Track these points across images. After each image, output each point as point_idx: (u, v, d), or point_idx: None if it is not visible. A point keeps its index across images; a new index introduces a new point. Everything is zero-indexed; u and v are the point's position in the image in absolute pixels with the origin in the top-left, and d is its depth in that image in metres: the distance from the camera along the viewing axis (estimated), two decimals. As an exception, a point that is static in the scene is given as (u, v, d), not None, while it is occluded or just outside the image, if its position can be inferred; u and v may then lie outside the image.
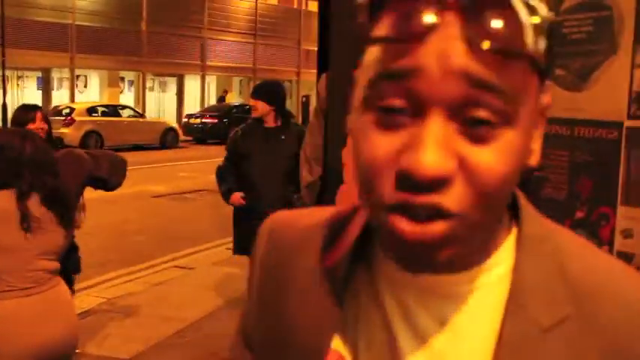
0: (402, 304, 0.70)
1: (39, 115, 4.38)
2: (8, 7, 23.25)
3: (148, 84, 32.26)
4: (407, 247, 0.60)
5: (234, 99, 34.32)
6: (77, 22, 27.31)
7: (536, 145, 0.66)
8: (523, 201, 0.72)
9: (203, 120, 25.44)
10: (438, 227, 0.59)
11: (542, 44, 0.59)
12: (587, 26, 1.83)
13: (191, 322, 5.74)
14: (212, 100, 34.05)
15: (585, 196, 1.84)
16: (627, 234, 1.74)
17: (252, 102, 5.20)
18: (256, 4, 35.77)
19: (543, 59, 0.60)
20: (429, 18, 0.57)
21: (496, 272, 0.68)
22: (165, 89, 34.41)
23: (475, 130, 0.58)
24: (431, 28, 0.57)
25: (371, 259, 0.74)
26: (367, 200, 0.63)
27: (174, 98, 34.19)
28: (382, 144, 0.60)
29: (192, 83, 34.24)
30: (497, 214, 0.65)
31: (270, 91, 5.18)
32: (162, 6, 29.88)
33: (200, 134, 25.21)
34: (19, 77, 28.12)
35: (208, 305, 6.20)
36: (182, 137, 24.31)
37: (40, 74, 28.44)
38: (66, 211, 3.06)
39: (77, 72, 28.66)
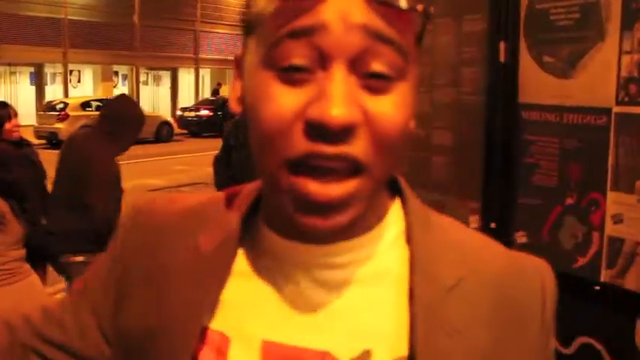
0: (293, 281, 0.71)
1: (12, 112, 4.39)
2: (0, 3, 23.17)
3: (142, 78, 32.19)
4: (310, 209, 0.62)
5: (227, 92, 34.21)
6: (69, 17, 27.21)
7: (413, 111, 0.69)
8: (401, 178, 0.77)
9: (197, 113, 25.39)
10: (344, 186, 0.62)
11: (420, 7, 0.64)
12: (575, 13, 1.84)
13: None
14: (206, 93, 34.00)
15: (575, 182, 1.85)
16: (617, 219, 1.75)
17: None
18: (249, -4, 35.63)
19: (421, 26, 0.66)
20: None
21: (387, 238, 0.73)
22: (159, 83, 34.37)
23: (374, 82, 0.62)
24: None
25: (255, 239, 0.74)
26: (267, 160, 0.64)
27: (169, 92, 34.14)
28: (287, 100, 0.61)
29: (186, 76, 34.19)
30: (392, 170, 0.68)
31: None
32: (154, -1, 29.80)
33: (195, 127, 25.16)
34: (11, 73, 28.04)
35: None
36: (177, 130, 24.26)
37: (32, 69, 28.36)
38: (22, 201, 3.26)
39: (70, 67, 28.59)
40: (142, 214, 0.82)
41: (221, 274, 0.73)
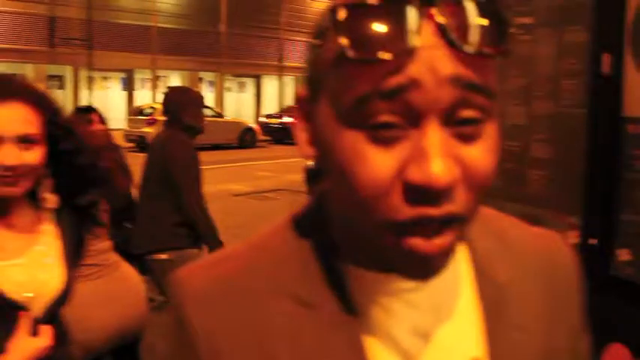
0: (385, 307, 0.70)
1: (95, 117, 4.48)
2: (94, 11, 24.10)
3: (227, 84, 32.82)
4: (414, 263, 0.62)
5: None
6: (159, 24, 28.05)
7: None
8: None
9: (281, 120, 25.67)
10: (448, 238, 0.61)
11: (504, 45, 0.61)
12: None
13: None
14: (290, 100, 34.33)
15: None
16: None
17: None
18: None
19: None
20: (414, 34, 0.57)
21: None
22: (243, 89, 34.93)
23: (465, 129, 0.60)
24: (417, 43, 0.57)
25: (338, 277, 0.71)
26: (366, 221, 0.62)
27: (253, 98, 34.67)
28: (380, 160, 0.59)
29: (269, 83, 34.64)
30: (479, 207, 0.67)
31: None
32: (240, 8, 30.34)
33: (278, 134, 25.45)
34: (104, 79, 29.09)
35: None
36: (260, 137, 24.60)
37: (123, 75, 29.34)
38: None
39: (158, 73, 29.44)
40: (199, 296, 0.72)
41: (348, 324, 0.70)
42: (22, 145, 1.67)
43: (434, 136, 0.58)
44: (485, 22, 0.59)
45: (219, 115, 24.54)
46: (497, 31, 0.60)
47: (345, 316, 0.69)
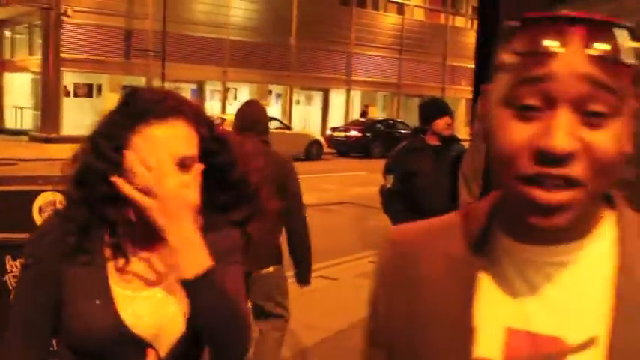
0: (523, 275, 0.89)
1: None
2: (168, 23, 24.68)
3: (295, 97, 33.09)
4: (537, 211, 0.81)
5: (376, 114, 34.49)
6: (230, 37, 28.52)
7: (629, 138, 0.85)
8: (617, 192, 0.93)
9: (347, 134, 25.73)
10: (563, 194, 0.80)
11: (635, 62, 0.81)
12: None
13: (335, 332, 5.78)
14: (356, 114, 34.41)
15: None
16: None
17: (448, 120, 4.87)
18: (403, 20, 35.86)
19: (637, 74, 0.82)
20: (561, 40, 0.80)
21: (600, 244, 0.89)
22: (310, 102, 35.16)
23: (592, 120, 0.79)
24: (563, 46, 0.80)
25: (491, 244, 0.93)
26: (504, 175, 0.84)
27: (320, 111, 34.86)
28: (520, 132, 0.81)
29: (337, 97, 34.78)
30: (605, 188, 0.86)
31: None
32: (311, 21, 30.61)
33: (344, 147, 25.52)
34: (175, 89, 29.59)
35: (353, 316, 6.21)
36: (326, 150, 24.70)
37: (194, 86, 29.90)
38: None
39: (228, 84, 29.91)
40: (397, 242, 1.04)
41: (471, 274, 0.92)
42: (180, 167, 1.49)
43: (562, 117, 0.79)
44: (620, 34, 0.80)
45: (287, 128, 24.73)
46: (622, 50, 0.80)
47: (470, 269, 0.92)
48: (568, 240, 0.87)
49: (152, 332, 1.51)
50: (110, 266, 1.54)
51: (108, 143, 1.50)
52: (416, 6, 37.66)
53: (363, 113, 32.16)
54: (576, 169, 0.79)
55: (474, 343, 0.88)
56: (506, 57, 0.84)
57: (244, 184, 1.66)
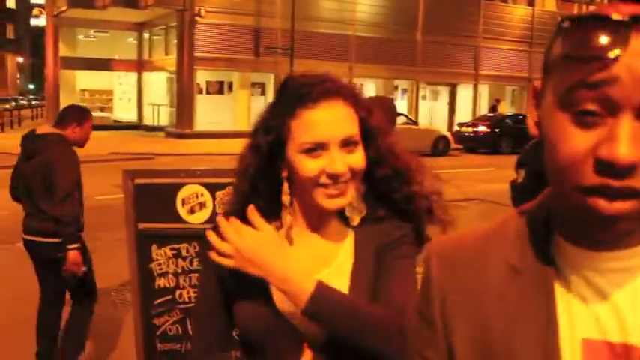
0: (590, 282, 0.85)
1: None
2: (296, 21, 25.12)
3: (421, 92, 32.82)
4: (599, 221, 0.78)
5: (505, 109, 33.63)
6: (357, 34, 28.66)
7: None
8: None
9: (475, 129, 25.23)
10: (627, 204, 0.76)
11: None
12: None
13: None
14: (483, 109, 33.69)
15: None
16: None
17: None
18: (533, 12, 34.74)
19: None
20: (621, 40, 0.74)
21: None
22: (437, 97, 34.77)
23: None
24: (624, 48, 0.74)
25: (548, 250, 0.89)
26: (563, 185, 0.80)
27: (446, 107, 34.40)
28: (580, 139, 0.76)
29: (464, 92, 34.20)
30: None
31: None
32: (437, 16, 30.24)
33: (471, 143, 25.04)
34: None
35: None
36: (453, 145, 24.34)
37: (320, 83, 30.21)
38: None
39: (354, 80, 30.06)
40: (444, 257, 0.99)
41: (549, 287, 0.87)
42: (345, 149, 1.46)
43: (625, 124, 0.74)
44: None
45: (414, 123, 24.58)
46: None
47: (545, 281, 0.87)
48: (632, 244, 0.83)
49: (308, 324, 1.44)
50: None
51: (265, 136, 1.51)
52: (547, -4, 36.39)
53: (493, 108, 31.36)
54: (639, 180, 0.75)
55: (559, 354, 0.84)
56: (561, 57, 0.79)
57: (390, 184, 1.57)
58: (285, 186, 1.53)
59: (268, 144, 1.50)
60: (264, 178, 1.53)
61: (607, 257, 0.84)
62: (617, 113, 0.74)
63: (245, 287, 1.50)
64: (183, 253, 2.95)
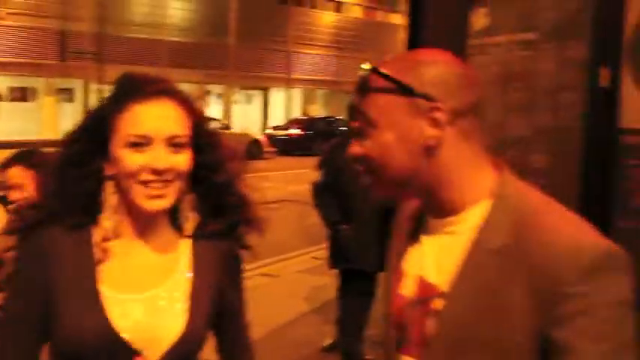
0: (428, 234, 1.21)
1: None
2: (105, 25, 24.29)
3: (235, 97, 32.97)
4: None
5: (317, 112, 34.64)
6: (168, 38, 28.26)
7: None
8: (505, 171, 1.15)
9: (287, 132, 25.78)
10: (366, 178, 1.20)
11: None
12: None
13: (276, 327, 5.89)
14: (296, 112, 34.47)
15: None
16: None
17: None
18: (340, 18, 36.09)
19: None
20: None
21: (472, 219, 1.12)
22: (250, 102, 35.07)
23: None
24: None
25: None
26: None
27: (260, 111, 34.81)
28: None
29: (277, 96, 34.79)
30: (398, 174, 1.15)
31: None
32: (249, 21, 30.54)
33: (285, 146, 25.55)
34: (113, 90, 29.19)
35: (293, 312, 6.33)
36: (267, 149, 24.69)
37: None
38: None
39: (167, 85, 29.55)
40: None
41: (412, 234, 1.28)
42: (171, 148, 1.42)
43: None
44: None
45: (227, 128, 24.66)
46: None
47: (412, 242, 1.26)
48: (453, 214, 1.16)
49: (144, 337, 1.44)
50: (100, 268, 1.47)
51: (91, 129, 1.47)
52: (353, 4, 37.93)
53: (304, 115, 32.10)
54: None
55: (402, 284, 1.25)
56: None
57: (229, 190, 1.57)
58: (110, 184, 1.47)
59: (92, 138, 1.46)
60: (84, 177, 1.46)
61: (436, 222, 1.19)
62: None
63: (73, 295, 1.44)
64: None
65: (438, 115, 1.11)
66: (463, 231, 1.13)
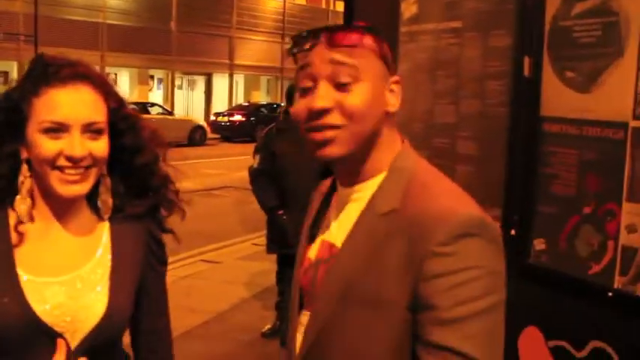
0: (337, 204, 1.33)
1: None
2: (40, 6, 23.66)
3: (177, 82, 32.56)
4: (331, 163, 1.26)
5: (261, 98, 34.51)
6: (108, 21, 27.67)
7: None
8: (404, 144, 1.27)
9: (231, 118, 25.63)
10: (329, 133, 1.17)
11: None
12: (596, 30, 1.92)
13: (216, 314, 5.88)
14: (240, 99, 34.25)
15: (592, 192, 1.93)
16: (631, 229, 1.83)
17: None
18: (284, 4, 35.94)
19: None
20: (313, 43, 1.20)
21: (372, 188, 1.23)
22: (193, 87, 34.71)
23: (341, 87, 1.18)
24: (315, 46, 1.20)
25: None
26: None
27: (203, 96, 34.48)
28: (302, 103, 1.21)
29: (220, 82, 34.49)
30: (365, 132, 1.19)
31: None
32: (191, 6, 30.15)
33: (228, 132, 25.41)
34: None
35: (233, 298, 6.34)
36: (210, 135, 24.52)
37: (71, 72, 28.79)
38: None
39: (107, 70, 29.04)
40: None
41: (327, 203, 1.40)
42: (88, 134, 1.42)
43: (321, 89, 1.21)
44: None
45: (169, 113, 24.38)
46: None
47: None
48: (359, 182, 1.25)
49: (65, 320, 1.44)
50: (17, 252, 1.45)
51: (5, 112, 1.45)
52: (297, -10, 37.85)
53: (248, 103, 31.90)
54: (332, 117, 1.19)
55: (310, 249, 1.36)
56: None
57: (150, 172, 1.59)
58: (25, 168, 1.46)
59: (6, 120, 1.44)
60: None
61: (345, 191, 1.28)
62: (317, 82, 1.18)
63: None
64: None
65: (397, 87, 1.24)
66: (363, 198, 1.23)
